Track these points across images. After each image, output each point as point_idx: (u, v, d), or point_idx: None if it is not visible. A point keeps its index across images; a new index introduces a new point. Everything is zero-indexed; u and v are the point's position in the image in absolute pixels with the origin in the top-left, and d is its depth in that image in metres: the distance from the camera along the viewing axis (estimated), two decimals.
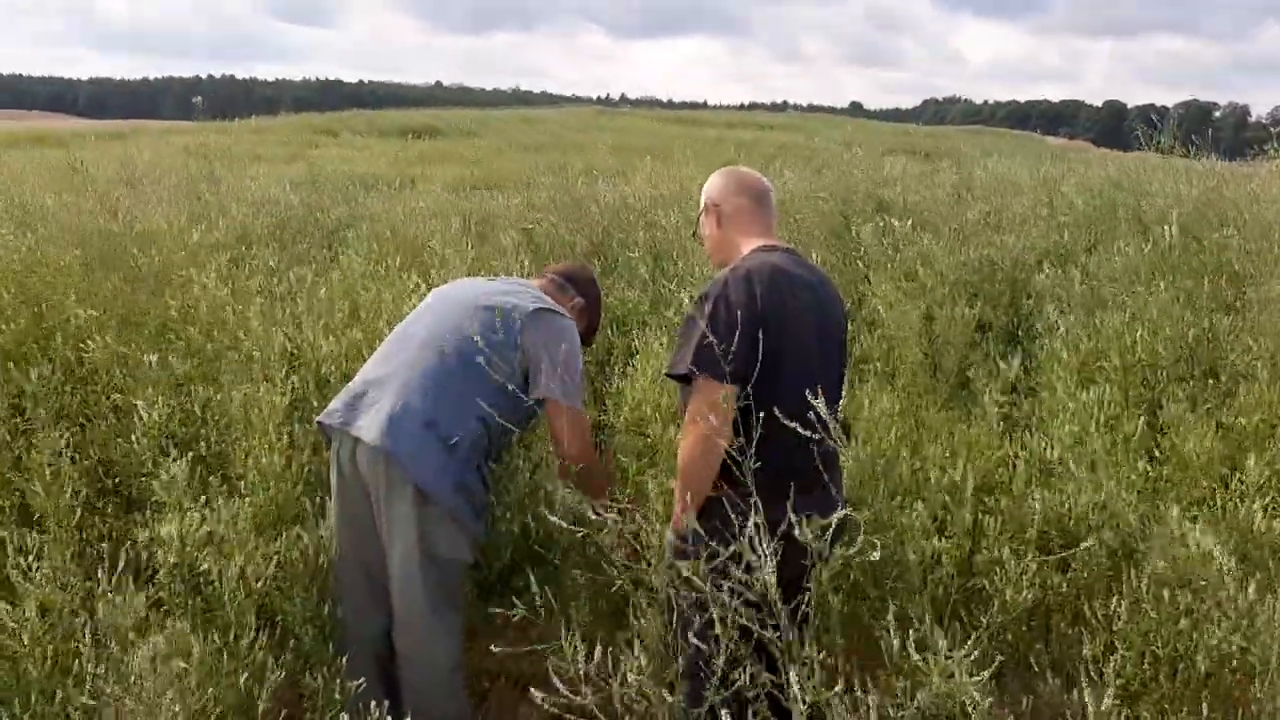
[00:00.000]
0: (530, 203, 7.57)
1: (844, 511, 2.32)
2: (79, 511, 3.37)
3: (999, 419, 4.05)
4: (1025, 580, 2.98)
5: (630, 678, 2.20)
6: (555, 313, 3.26)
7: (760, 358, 2.55)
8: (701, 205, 3.04)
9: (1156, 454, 3.73)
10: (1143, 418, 3.90)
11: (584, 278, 3.67)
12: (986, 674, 1.98)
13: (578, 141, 19.04)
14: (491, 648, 2.66)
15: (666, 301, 5.53)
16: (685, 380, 2.69)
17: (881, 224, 6.37)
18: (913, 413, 4.12)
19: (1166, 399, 4.14)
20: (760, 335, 2.56)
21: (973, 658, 1.96)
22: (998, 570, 3.06)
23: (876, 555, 2.04)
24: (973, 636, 2.04)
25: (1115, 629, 2.76)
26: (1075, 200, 6.67)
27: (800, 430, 2.50)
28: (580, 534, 3.28)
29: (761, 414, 2.47)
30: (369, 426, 3.03)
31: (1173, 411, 3.93)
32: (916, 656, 1.96)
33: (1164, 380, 4.36)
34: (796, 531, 2.12)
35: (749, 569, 2.14)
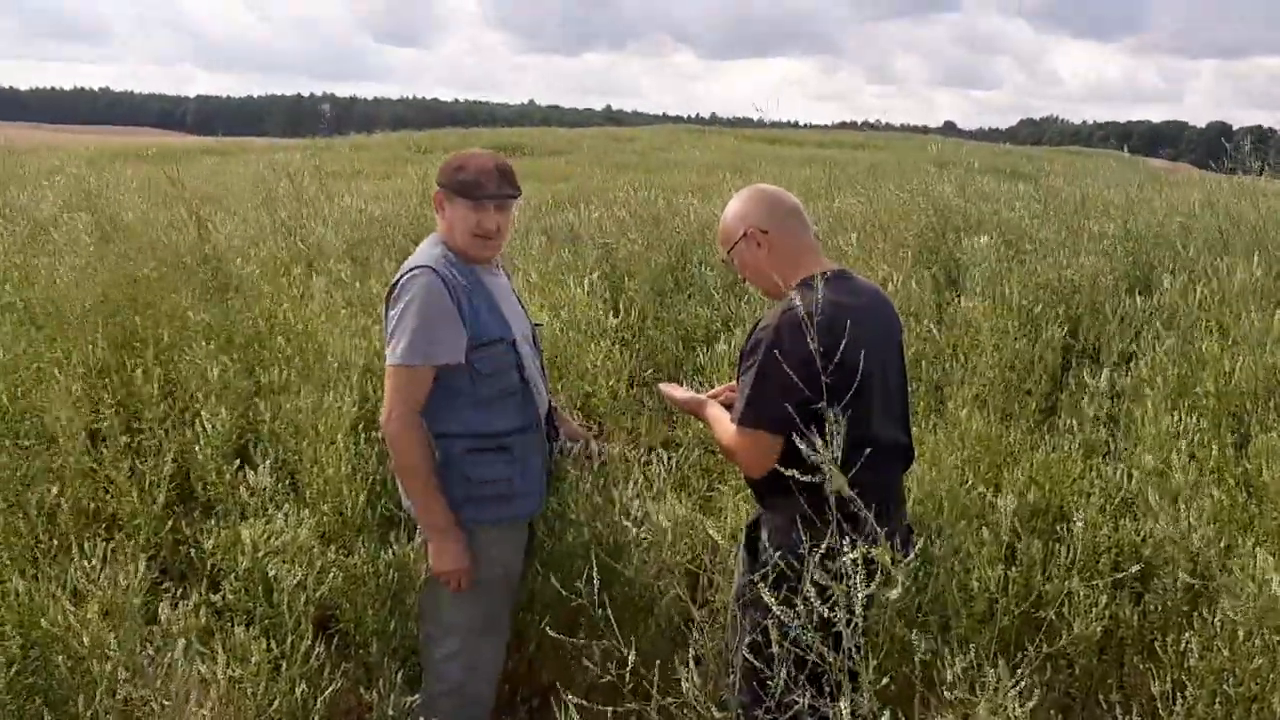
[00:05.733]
0: (611, 217, 7.61)
1: (911, 550, 2.28)
2: (155, 518, 3.47)
3: (1079, 445, 3.94)
4: (1095, 613, 2.88)
5: (684, 685, 2.19)
6: (396, 283, 2.99)
7: (817, 401, 2.51)
8: (739, 232, 2.81)
9: (1233, 482, 3.58)
10: (1229, 446, 3.76)
11: (441, 166, 3.17)
12: (1031, 705, 1.91)
13: (666, 160, 19.06)
14: (548, 628, 2.66)
15: (740, 318, 5.51)
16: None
17: (969, 243, 6.27)
18: (987, 438, 4.02)
19: (1257, 428, 3.98)
20: (818, 381, 2.48)
21: (1019, 688, 1.89)
22: (1066, 601, 2.97)
23: (895, 594, 1.99)
24: (1024, 669, 1.97)
25: (1188, 666, 2.66)
26: (1157, 221, 6.51)
27: (862, 454, 2.49)
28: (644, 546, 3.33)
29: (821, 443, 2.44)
30: None
31: (1262, 441, 3.77)
32: (957, 690, 1.91)
33: (1260, 409, 4.18)
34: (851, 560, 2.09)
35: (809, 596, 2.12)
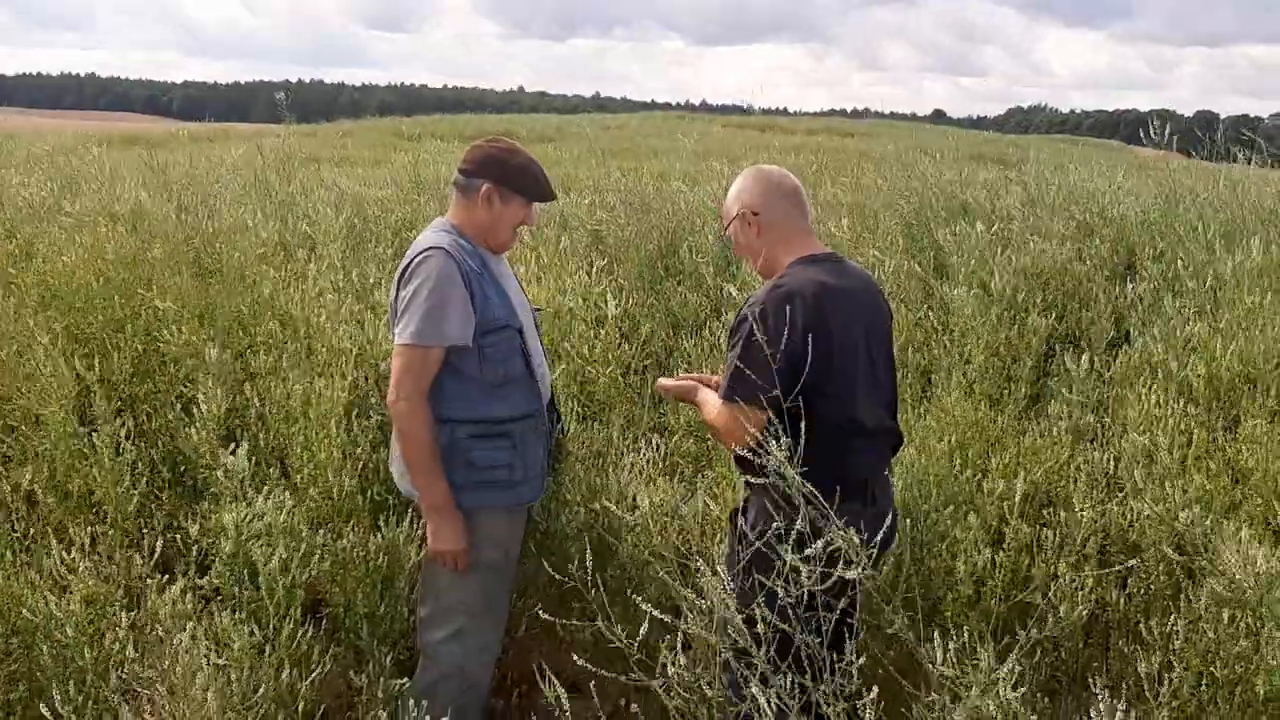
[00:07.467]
0: (601, 203, 7.59)
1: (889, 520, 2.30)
2: (136, 499, 3.45)
3: (1066, 430, 3.96)
4: (1081, 596, 2.90)
5: (670, 670, 2.19)
6: (409, 265, 2.97)
7: (801, 379, 2.52)
8: (734, 211, 2.86)
9: (1218, 467, 3.60)
10: (1217, 432, 3.78)
11: (478, 156, 3.09)
12: (1024, 689, 1.92)
13: (655, 147, 18.98)
14: (540, 612, 2.66)
15: (731, 304, 5.51)
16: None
17: (956, 229, 6.28)
18: (973, 422, 4.03)
19: (1246, 414, 3.99)
20: (802, 359, 2.52)
21: (1005, 670, 1.91)
22: (1053, 585, 2.98)
23: (853, 574, 2.00)
24: (1015, 651, 1.98)
25: (1173, 648, 2.68)
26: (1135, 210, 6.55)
27: (847, 437, 2.50)
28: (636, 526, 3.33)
29: (806, 425, 2.46)
30: None
31: (1251, 427, 3.79)
32: (951, 671, 1.92)
33: (1253, 394, 4.19)
34: (839, 540, 2.10)
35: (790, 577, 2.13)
